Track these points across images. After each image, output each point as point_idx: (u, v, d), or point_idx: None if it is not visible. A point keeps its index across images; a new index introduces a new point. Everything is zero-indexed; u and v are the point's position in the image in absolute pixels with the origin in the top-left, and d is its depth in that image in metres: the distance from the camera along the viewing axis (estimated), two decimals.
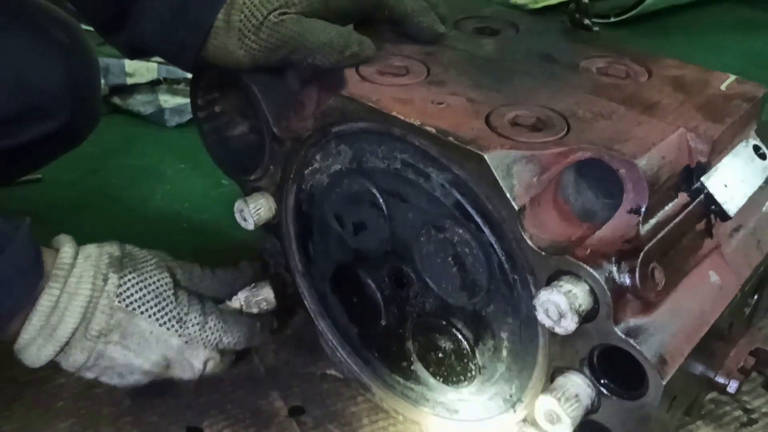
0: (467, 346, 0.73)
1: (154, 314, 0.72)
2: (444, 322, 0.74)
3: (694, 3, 2.23)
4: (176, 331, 0.73)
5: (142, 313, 0.72)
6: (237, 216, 0.85)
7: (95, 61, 0.96)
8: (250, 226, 0.85)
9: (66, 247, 0.71)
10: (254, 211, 0.84)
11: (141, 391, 0.85)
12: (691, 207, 0.65)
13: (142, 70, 1.50)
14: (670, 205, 0.64)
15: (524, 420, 0.72)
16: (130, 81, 1.50)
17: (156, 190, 1.30)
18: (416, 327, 0.78)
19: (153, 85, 1.51)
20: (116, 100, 1.52)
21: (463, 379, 0.76)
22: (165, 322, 0.73)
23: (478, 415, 0.77)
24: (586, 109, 0.68)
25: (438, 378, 0.79)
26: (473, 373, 0.74)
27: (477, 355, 0.73)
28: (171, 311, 0.73)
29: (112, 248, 0.74)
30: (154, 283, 0.73)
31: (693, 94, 0.72)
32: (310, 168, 0.79)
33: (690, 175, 0.66)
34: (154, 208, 1.25)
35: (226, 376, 0.89)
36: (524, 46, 0.81)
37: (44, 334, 0.68)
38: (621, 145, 0.62)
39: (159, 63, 1.52)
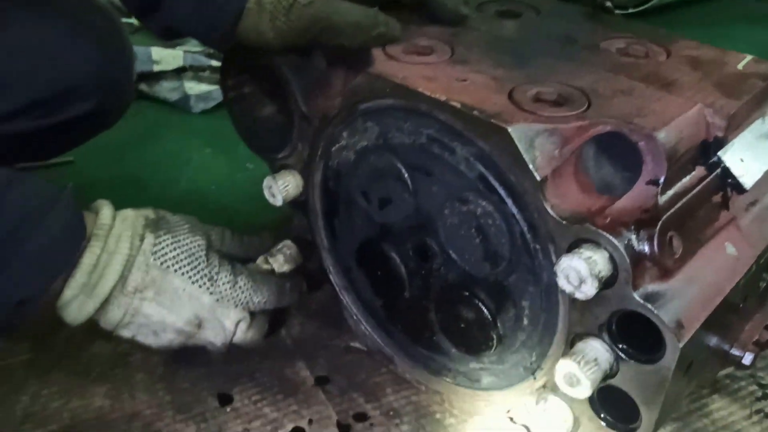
0: (489, 316, 0.76)
1: (187, 272, 0.76)
2: (466, 293, 0.77)
3: None
4: (207, 288, 0.76)
5: (175, 271, 0.75)
6: (266, 192, 0.89)
7: (129, 48, 1.00)
8: (279, 203, 0.88)
9: (105, 210, 0.75)
10: (282, 187, 0.87)
11: (174, 358, 0.90)
12: (708, 180, 0.68)
13: (168, 57, 1.54)
14: (688, 177, 0.67)
15: (544, 386, 0.74)
16: (156, 68, 1.54)
17: (182, 174, 1.34)
18: (439, 298, 0.81)
19: (179, 73, 1.55)
20: (143, 86, 1.56)
21: (484, 348, 0.78)
22: (197, 280, 0.76)
23: (498, 383, 0.80)
24: (607, 86, 0.71)
25: (460, 348, 0.81)
26: (494, 342, 0.77)
27: (498, 324, 0.76)
28: (203, 270, 0.76)
29: (148, 212, 0.78)
30: (187, 243, 0.77)
31: (710, 72, 0.75)
32: (337, 145, 0.82)
33: (707, 149, 0.68)
34: (180, 191, 1.29)
35: (254, 347, 0.92)
36: (545, 28, 0.83)
37: (86, 290, 0.72)
38: (640, 119, 0.65)
39: (185, 51, 1.55)
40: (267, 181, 0.88)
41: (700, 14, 2.19)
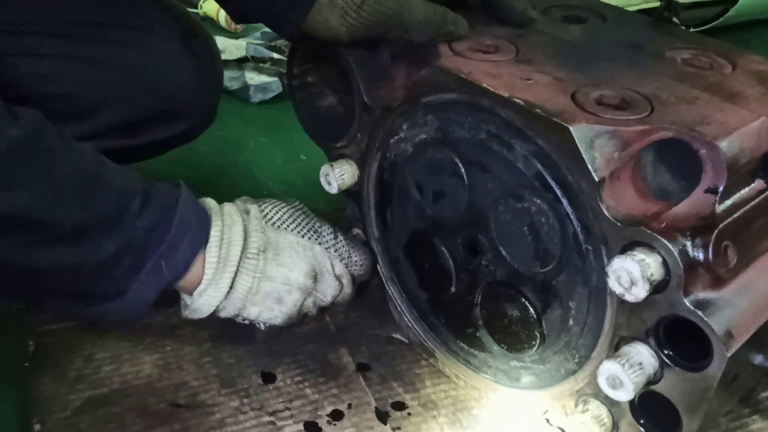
0: (534, 315, 0.77)
1: (295, 228, 0.84)
2: (513, 291, 0.78)
3: None
4: (316, 239, 0.85)
5: (285, 228, 0.83)
6: (322, 179, 0.91)
7: (221, 73, 1.07)
8: (334, 190, 0.90)
9: (207, 199, 0.83)
10: (339, 176, 0.89)
11: (220, 335, 0.93)
12: (766, 193, 0.67)
13: (231, 47, 1.59)
14: (747, 189, 0.67)
15: (584, 389, 0.75)
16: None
17: (239, 159, 1.38)
18: (485, 294, 0.82)
19: (240, 63, 1.59)
20: None
21: (527, 347, 0.79)
22: (305, 233, 0.84)
23: (538, 383, 0.80)
24: (670, 93, 0.71)
25: (502, 345, 0.82)
26: (538, 341, 0.78)
27: (543, 323, 0.77)
28: (307, 224, 0.85)
29: (237, 200, 0.86)
30: (285, 206, 0.86)
31: None
32: (395, 137, 0.84)
33: None
34: (236, 175, 1.33)
35: (298, 330, 0.95)
36: (611, 34, 0.84)
37: (220, 266, 0.78)
38: (703, 127, 0.65)
39: (248, 42, 1.59)
40: (324, 169, 0.90)
41: (766, 35, 2.15)
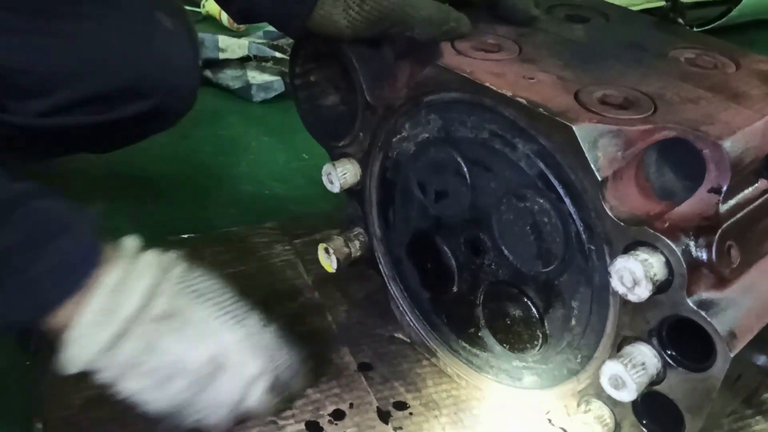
0: (536, 314, 0.77)
1: (216, 304, 0.70)
2: (516, 290, 0.78)
3: None
4: (235, 326, 0.70)
5: (204, 302, 0.70)
6: (324, 178, 0.91)
7: (195, 50, 1.00)
8: (336, 189, 0.90)
9: (129, 240, 0.71)
10: (341, 175, 0.89)
11: None
12: None
13: (233, 46, 1.59)
14: (750, 189, 0.66)
15: (586, 389, 0.75)
16: (222, 56, 1.58)
17: (241, 159, 1.38)
18: (487, 294, 0.82)
19: (243, 62, 1.59)
20: (207, 73, 1.60)
21: (529, 347, 0.79)
22: (225, 315, 0.70)
23: (540, 383, 0.80)
24: (674, 93, 0.71)
25: (504, 345, 0.82)
26: (540, 341, 0.77)
27: (546, 323, 0.76)
28: (232, 307, 0.71)
29: (173, 254, 0.72)
30: (215, 282, 0.72)
31: None
32: (398, 136, 0.84)
33: None
34: (238, 175, 1.33)
35: (299, 330, 0.94)
36: (614, 34, 0.84)
37: (103, 315, 0.65)
38: (707, 127, 0.64)
39: (250, 41, 1.60)
40: (326, 168, 0.90)
41: None
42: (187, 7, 1.93)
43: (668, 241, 0.61)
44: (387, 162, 0.87)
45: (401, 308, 0.94)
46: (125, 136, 1.02)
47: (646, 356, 0.66)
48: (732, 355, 0.61)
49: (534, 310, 0.77)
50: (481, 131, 0.74)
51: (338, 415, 0.84)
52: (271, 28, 1.63)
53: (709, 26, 2.06)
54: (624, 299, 0.64)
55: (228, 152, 1.39)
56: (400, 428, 0.83)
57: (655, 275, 0.61)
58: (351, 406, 0.85)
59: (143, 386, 0.68)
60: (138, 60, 0.91)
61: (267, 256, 1.07)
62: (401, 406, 0.86)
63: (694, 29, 2.07)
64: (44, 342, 0.80)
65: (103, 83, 0.91)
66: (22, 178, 0.67)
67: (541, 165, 0.69)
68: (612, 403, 0.72)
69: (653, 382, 0.67)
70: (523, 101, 0.68)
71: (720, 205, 0.63)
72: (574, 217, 0.69)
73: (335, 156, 0.93)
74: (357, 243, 0.93)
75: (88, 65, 0.90)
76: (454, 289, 0.85)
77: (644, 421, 0.71)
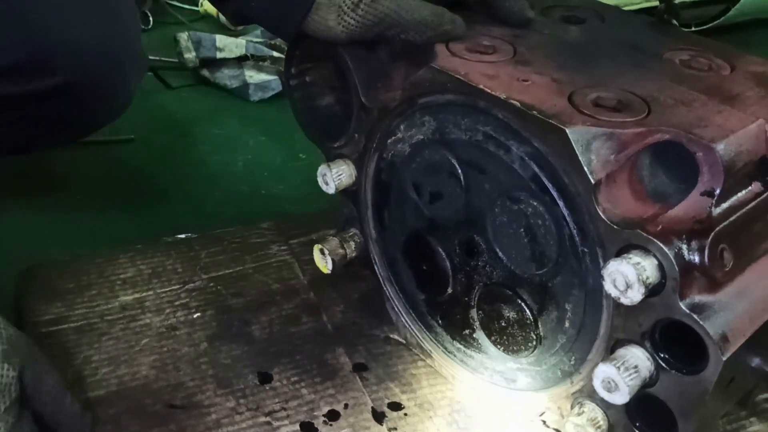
0: (531, 316, 0.77)
1: None
2: (510, 292, 0.78)
3: None
4: None
5: None
6: (319, 179, 0.91)
7: (125, 30, 0.94)
8: (331, 190, 0.90)
9: None
10: (336, 176, 0.89)
11: (218, 336, 0.93)
12: (764, 196, 0.67)
13: (231, 45, 1.58)
14: (743, 192, 0.66)
15: (580, 391, 0.75)
16: (219, 55, 1.58)
17: (238, 158, 1.38)
18: (482, 296, 0.82)
19: (240, 61, 1.59)
20: (205, 72, 1.60)
21: (523, 348, 0.79)
22: None
23: (534, 385, 0.80)
24: (667, 95, 0.70)
25: (499, 347, 0.82)
26: (534, 343, 0.77)
27: (540, 325, 0.76)
28: None
29: None
30: None
31: None
32: (393, 138, 0.84)
33: (766, 166, 0.67)
34: (235, 173, 1.33)
35: (295, 330, 0.95)
36: (609, 35, 0.83)
37: None
38: (700, 130, 0.64)
39: (248, 40, 1.59)
40: (322, 169, 0.90)
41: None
42: (185, 6, 1.95)
43: (661, 245, 0.61)
44: (382, 163, 0.87)
45: (396, 309, 0.94)
46: (48, 127, 0.94)
47: (638, 359, 0.66)
48: (724, 358, 0.61)
49: (528, 312, 0.77)
50: (475, 133, 0.74)
51: (333, 416, 0.84)
52: None
53: (708, 25, 2.06)
54: (617, 302, 0.64)
55: (225, 151, 1.40)
56: (395, 429, 0.83)
57: (647, 278, 0.61)
58: (346, 406, 0.85)
59: None
60: (45, 30, 0.85)
61: (263, 256, 1.07)
62: (396, 406, 0.86)
63: (693, 28, 2.07)
64: None
65: (13, 52, 0.85)
66: None
67: (535, 167, 0.69)
68: (605, 406, 0.72)
69: (646, 385, 0.67)
70: (517, 104, 0.68)
71: (713, 208, 0.63)
72: (568, 219, 0.69)
73: (331, 157, 0.93)
74: (352, 244, 0.94)
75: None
76: (449, 290, 0.85)
77: (637, 424, 0.71)
